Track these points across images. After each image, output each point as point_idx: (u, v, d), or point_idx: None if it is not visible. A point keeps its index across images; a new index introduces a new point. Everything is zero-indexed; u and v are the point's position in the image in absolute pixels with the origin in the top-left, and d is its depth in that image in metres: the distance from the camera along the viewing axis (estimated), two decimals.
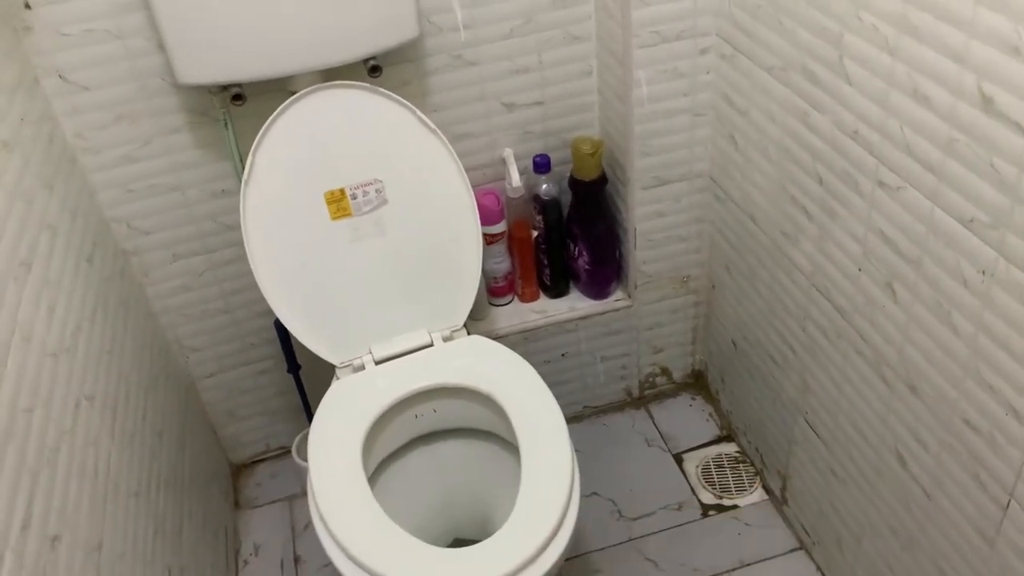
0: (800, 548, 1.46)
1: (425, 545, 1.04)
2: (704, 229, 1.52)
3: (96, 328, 1.16)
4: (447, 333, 1.35)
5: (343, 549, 1.05)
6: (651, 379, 1.75)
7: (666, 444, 1.68)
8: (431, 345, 1.34)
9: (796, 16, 1.08)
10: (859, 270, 1.08)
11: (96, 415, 1.07)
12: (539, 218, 1.52)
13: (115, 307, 1.26)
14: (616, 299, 1.62)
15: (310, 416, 1.60)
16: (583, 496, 1.56)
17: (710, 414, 1.73)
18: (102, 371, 1.14)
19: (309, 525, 1.60)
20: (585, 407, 1.75)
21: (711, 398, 1.75)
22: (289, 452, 1.68)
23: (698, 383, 1.78)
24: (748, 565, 1.45)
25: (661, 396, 1.78)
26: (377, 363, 1.32)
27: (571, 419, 1.73)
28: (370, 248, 1.30)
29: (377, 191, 1.28)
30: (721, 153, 1.39)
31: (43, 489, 0.86)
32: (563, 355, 1.65)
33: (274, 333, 1.57)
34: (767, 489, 1.56)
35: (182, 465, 1.38)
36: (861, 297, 1.09)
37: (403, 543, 1.05)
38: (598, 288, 1.59)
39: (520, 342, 1.60)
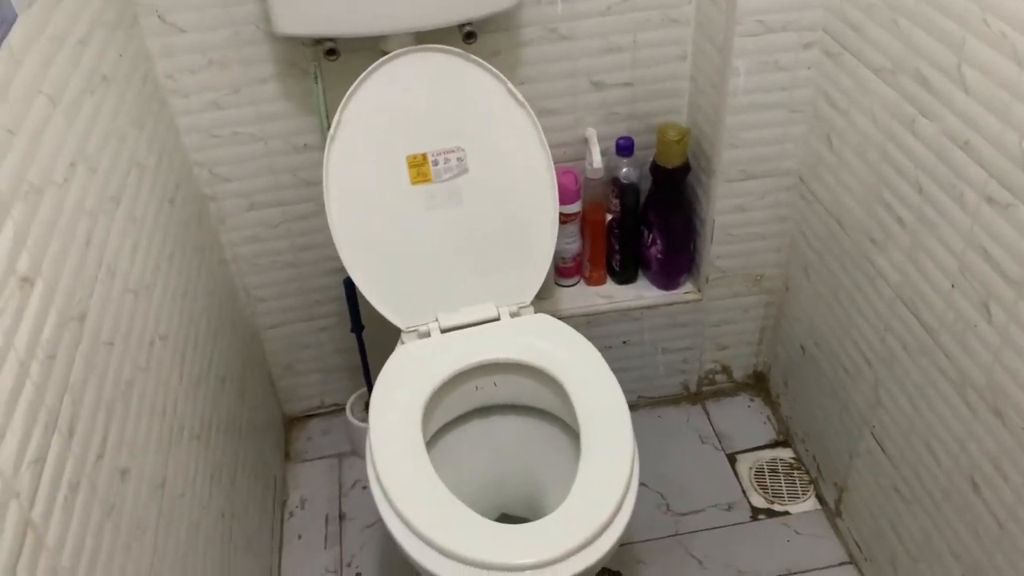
0: (850, 562, 1.43)
1: (480, 518, 1.04)
2: (786, 228, 1.48)
3: (173, 270, 1.17)
4: (514, 309, 1.34)
5: (399, 514, 1.05)
6: (711, 376, 1.73)
7: (720, 443, 1.66)
8: (498, 319, 1.33)
9: (914, 17, 1.03)
10: (952, 286, 1.04)
11: (168, 355, 1.08)
12: (616, 201, 1.50)
13: (191, 251, 1.28)
14: (685, 291, 1.59)
15: (368, 377, 1.60)
16: None
17: (768, 417, 1.70)
18: (175, 313, 1.15)
19: (356, 484, 1.62)
20: (640, 397, 1.73)
21: (771, 401, 1.71)
22: (342, 410, 1.70)
23: (759, 385, 1.75)
24: (794, 573, 1.42)
25: (719, 394, 1.75)
26: (443, 331, 1.32)
27: None
28: (445, 216, 1.29)
29: (459, 159, 1.27)
30: (813, 152, 1.35)
31: (117, 422, 0.87)
32: (624, 343, 1.63)
33: (340, 291, 1.57)
34: (821, 499, 1.53)
35: (240, 413, 1.39)
36: (951, 314, 1.05)
37: (459, 514, 1.05)
38: (668, 278, 1.57)
39: (583, 325, 1.58)
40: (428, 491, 1.08)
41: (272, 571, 1.44)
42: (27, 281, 0.72)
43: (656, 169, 1.45)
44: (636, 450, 1.13)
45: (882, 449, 1.27)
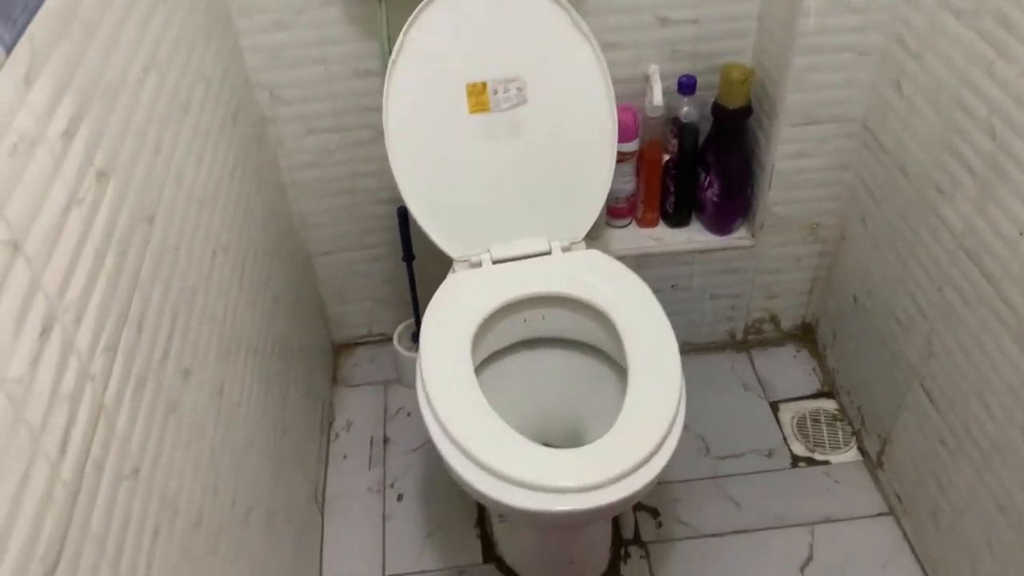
0: (889, 514, 1.43)
1: (527, 440, 1.06)
2: (846, 176, 1.46)
3: (234, 186, 1.19)
4: (566, 244, 1.34)
5: (447, 434, 1.07)
6: (758, 325, 1.72)
7: (763, 391, 1.65)
8: (549, 253, 1.34)
9: None
10: (1021, 234, 1.02)
11: (228, 267, 1.10)
12: (674, 141, 1.48)
13: (251, 171, 1.29)
14: (738, 237, 1.57)
15: (416, 307, 1.62)
16: None
17: (813, 368, 1.69)
18: (236, 228, 1.17)
19: (400, 411, 1.65)
20: (685, 343, 1.72)
21: (817, 353, 1.70)
22: (389, 339, 1.72)
23: (806, 336, 1.73)
24: (832, 521, 1.42)
25: (765, 343, 1.74)
26: (494, 263, 1.33)
27: None
28: (502, 147, 1.29)
29: (518, 89, 1.26)
30: (881, 98, 1.32)
31: (181, 325, 0.90)
32: (673, 287, 1.62)
33: (392, 221, 1.58)
34: (862, 450, 1.52)
35: (292, 334, 1.42)
36: (1017, 264, 1.03)
37: (507, 437, 1.06)
38: (722, 223, 1.55)
39: (632, 267, 1.56)
40: (477, 414, 1.09)
41: (318, 487, 1.48)
42: (104, 176, 0.74)
43: (718, 110, 1.43)
44: (684, 386, 1.13)
45: (931, 400, 1.26)
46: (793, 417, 1.60)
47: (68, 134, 0.68)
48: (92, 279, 0.69)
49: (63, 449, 0.61)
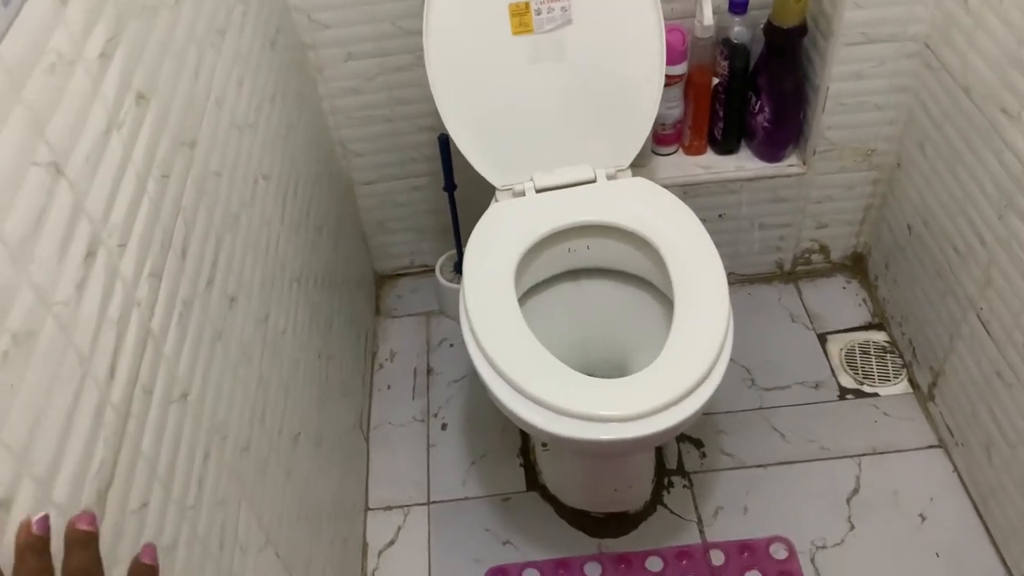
0: (939, 446, 1.40)
1: (570, 369, 1.05)
2: (904, 100, 1.40)
3: (275, 112, 1.17)
4: (612, 171, 1.31)
5: (494, 367, 1.06)
6: (807, 255, 1.68)
7: (811, 323, 1.62)
8: (594, 181, 1.31)
9: None
10: None
11: (271, 195, 1.09)
12: (724, 64, 1.43)
13: (292, 97, 1.27)
14: (789, 164, 1.52)
15: (458, 238, 1.61)
16: None
17: (864, 300, 1.65)
18: (277, 155, 1.16)
19: (444, 341, 1.65)
20: (732, 274, 1.70)
21: (867, 284, 1.66)
22: (430, 271, 1.71)
23: (856, 266, 1.69)
24: (880, 453, 1.41)
25: (814, 274, 1.70)
26: (538, 191, 1.30)
27: None
28: (546, 71, 1.25)
29: (563, 9, 1.22)
30: (946, 15, 1.25)
31: (226, 252, 0.89)
32: (720, 216, 1.59)
33: (433, 150, 1.56)
34: (913, 383, 1.49)
35: (335, 264, 1.42)
36: None
37: (550, 365, 1.06)
38: (773, 149, 1.50)
39: (678, 196, 1.53)
40: (521, 344, 1.09)
41: (363, 415, 1.49)
42: (143, 98, 0.73)
43: (771, 29, 1.37)
44: (731, 316, 1.11)
45: (987, 332, 1.22)
46: (842, 349, 1.57)
47: (105, 56, 0.67)
48: (135, 204, 0.69)
49: (112, 374, 0.61)
